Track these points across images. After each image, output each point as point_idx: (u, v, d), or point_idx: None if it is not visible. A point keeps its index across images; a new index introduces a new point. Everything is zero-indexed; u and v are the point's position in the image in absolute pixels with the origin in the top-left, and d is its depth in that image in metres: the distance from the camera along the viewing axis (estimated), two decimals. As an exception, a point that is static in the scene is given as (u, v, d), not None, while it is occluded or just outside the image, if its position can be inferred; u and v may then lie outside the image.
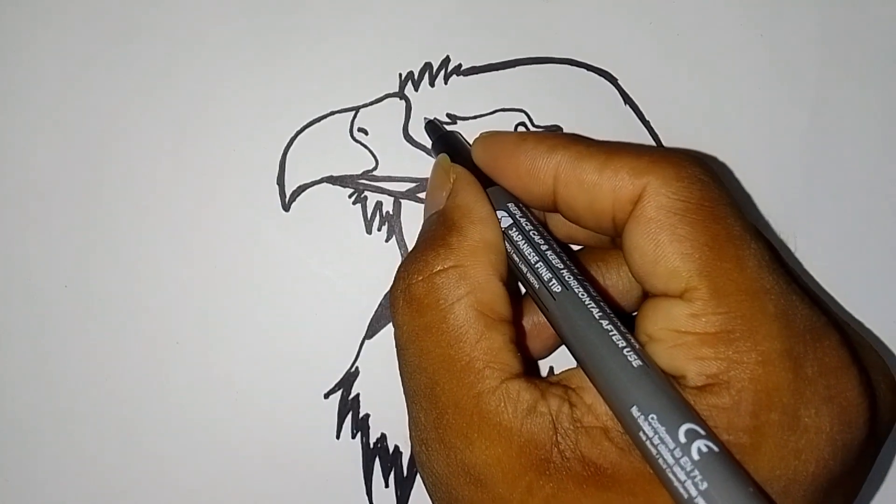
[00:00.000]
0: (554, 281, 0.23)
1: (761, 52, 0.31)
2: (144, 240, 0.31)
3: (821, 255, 0.31)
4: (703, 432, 0.19)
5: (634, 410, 0.20)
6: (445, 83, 0.31)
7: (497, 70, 0.31)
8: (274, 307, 0.31)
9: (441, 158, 0.27)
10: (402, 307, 0.23)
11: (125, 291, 0.31)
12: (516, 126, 0.31)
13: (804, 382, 0.20)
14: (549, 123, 0.31)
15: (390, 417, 0.31)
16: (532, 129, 0.31)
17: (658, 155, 0.23)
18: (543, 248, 0.24)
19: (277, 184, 0.31)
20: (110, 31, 0.31)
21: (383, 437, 0.31)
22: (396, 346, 0.24)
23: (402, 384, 0.24)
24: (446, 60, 0.31)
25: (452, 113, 0.31)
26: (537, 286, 0.23)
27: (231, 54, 0.31)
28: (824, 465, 0.20)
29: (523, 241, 0.24)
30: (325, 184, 0.31)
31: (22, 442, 0.31)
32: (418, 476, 0.31)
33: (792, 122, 0.31)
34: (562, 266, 0.23)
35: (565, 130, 0.31)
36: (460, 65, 0.31)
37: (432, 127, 0.30)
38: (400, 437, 0.31)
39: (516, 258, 0.24)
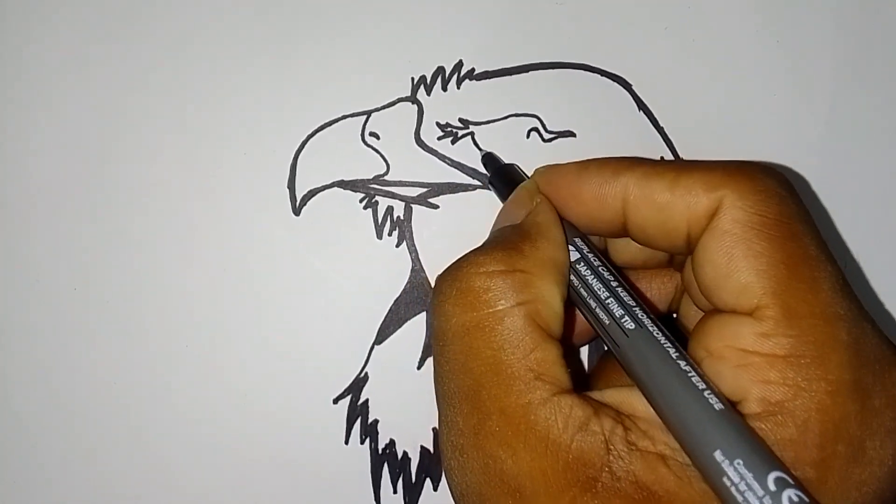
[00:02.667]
0: (626, 318, 0.22)
1: (777, 58, 0.31)
2: (154, 243, 0.31)
3: (844, 266, 0.31)
4: (791, 481, 0.19)
5: (718, 455, 0.19)
6: (458, 88, 0.31)
7: (510, 75, 0.31)
8: (283, 311, 0.31)
9: (529, 183, 0.26)
10: (455, 297, 0.22)
11: (135, 295, 0.31)
12: (529, 132, 0.30)
13: (871, 414, 0.20)
14: (562, 129, 0.31)
15: (399, 423, 0.31)
16: (545, 134, 0.31)
17: (733, 167, 0.22)
18: (614, 284, 0.23)
19: (288, 188, 0.31)
20: (121, 35, 0.31)
21: (392, 442, 0.31)
22: (437, 339, 0.23)
23: (437, 382, 0.23)
24: (459, 65, 0.31)
25: (465, 118, 0.31)
26: (608, 322, 0.23)
27: (243, 57, 0.31)
28: (881, 497, 0.20)
29: (592, 276, 0.24)
30: (335, 188, 0.31)
31: (32, 444, 0.31)
32: (426, 482, 0.30)
33: (808, 129, 0.31)
34: (634, 303, 0.23)
35: (578, 136, 0.31)
36: (473, 69, 0.31)
37: (490, 159, 0.30)
38: (409, 444, 0.31)
39: (584, 293, 0.24)
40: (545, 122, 0.31)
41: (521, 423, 0.21)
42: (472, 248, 0.24)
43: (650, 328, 0.22)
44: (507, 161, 0.30)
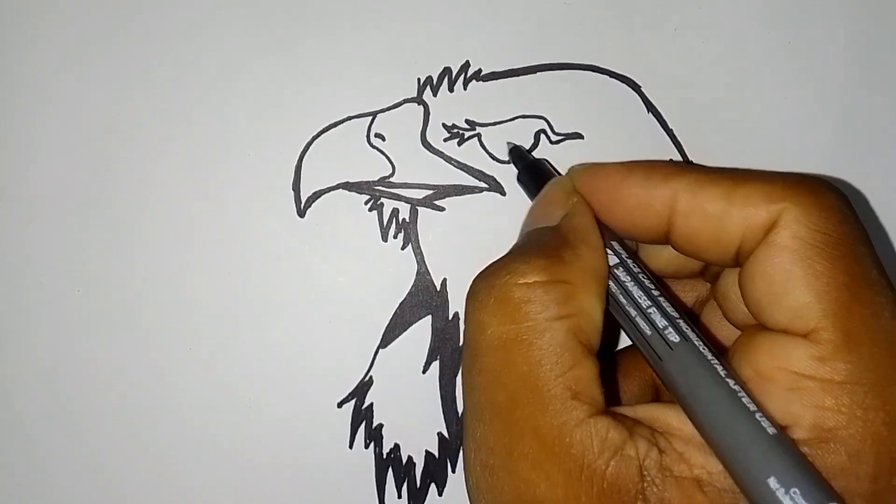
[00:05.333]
0: (670, 329, 0.21)
1: (789, 60, 0.31)
2: (158, 245, 0.31)
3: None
4: None
5: (773, 482, 0.18)
6: (465, 89, 0.30)
7: (517, 76, 0.30)
8: (287, 314, 0.30)
9: (564, 180, 0.25)
10: (493, 306, 0.21)
11: (138, 297, 0.31)
12: (537, 133, 0.30)
13: None
14: (570, 131, 0.30)
15: (404, 428, 0.30)
16: (552, 136, 0.30)
17: (794, 181, 0.21)
18: (655, 292, 0.22)
19: (293, 189, 0.30)
20: (125, 36, 0.31)
21: (396, 447, 0.30)
22: (471, 350, 0.22)
23: (468, 393, 0.22)
24: (466, 65, 0.30)
25: (471, 119, 0.30)
26: (649, 333, 0.22)
27: (247, 58, 0.31)
28: None
29: (632, 283, 0.22)
30: (341, 190, 0.30)
31: (35, 447, 0.31)
32: (431, 487, 0.30)
33: (819, 130, 0.31)
34: (677, 314, 0.22)
35: (586, 139, 0.30)
36: (480, 70, 0.30)
37: (518, 153, 0.29)
38: (413, 448, 0.30)
39: (623, 300, 0.22)
40: (553, 123, 0.30)
41: (556, 445, 0.20)
42: (505, 252, 0.23)
43: (696, 342, 0.21)
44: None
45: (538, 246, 0.23)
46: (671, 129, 0.31)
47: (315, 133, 0.30)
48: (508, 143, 0.29)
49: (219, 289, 0.30)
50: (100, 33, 0.31)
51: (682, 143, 0.31)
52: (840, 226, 0.20)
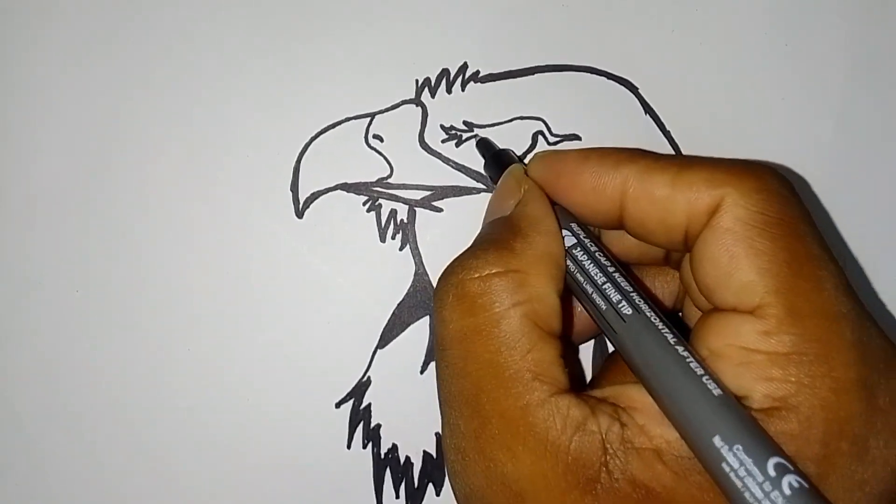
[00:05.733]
0: (624, 303, 0.22)
1: (786, 61, 0.31)
2: (156, 245, 0.31)
3: (845, 266, 0.30)
4: (791, 467, 0.18)
5: (717, 440, 0.19)
6: (462, 90, 0.30)
7: (515, 77, 0.31)
8: (286, 315, 0.31)
9: (515, 168, 0.26)
10: (452, 303, 0.22)
11: (136, 297, 0.31)
12: (534, 135, 0.30)
13: (876, 412, 0.20)
14: (567, 132, 0.30)
15: (402, 428, 0.30)
16: (550, 137, 0.30)
17: (736, 167, 0.22)
18: (611, 269, 0.23)
19: (291, 190, 0.31)
20: (123, 36, 0.31)
21: (394, 447, 0.30)
22: (438, 345, 0.23)
23: (440, 387, 0.23)
24: (464, 67, 0.31)
25: (469, 120, 0.30)
26: (604, 307, 0.22)
27: (246, 59, 0.31)
28: (888, 497, 0.20)
29: (589, 262, 0.23)
30: (339, 191, 0.31)
31: (35, 447, 0.31)
32: (429, 487, 0.30)
33: (817, 132, 0.31)
34: (630, 289, 0.22)
35: (584, 140, 0.30)
36: (478, 71, 0.31)
37: (485, 144, 0.30)
38: (411, 448, 0.30)
39: (580, 278, 0.23)
40: (550, 124, 0.30)
41: (521, 425, 0.21)
42: (461, 253, 0.24)
43: (647, 314, 0.22)
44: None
45: (490, 239, 0.24)
46: (668, 131, 0.31)
47: (313, 134, 0.31)
48: (477, 136, 0.30)
49: (217, 289, 0.30)
50: (100, 33, 0.31)
51: (679, 144, 0.31)
52: (780, 207, 0.21)
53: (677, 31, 0.31)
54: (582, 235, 0.24)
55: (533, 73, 0.31)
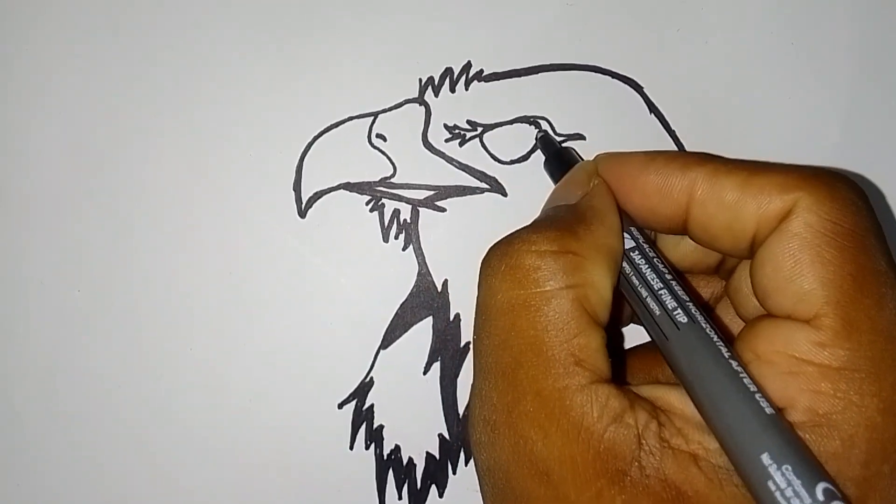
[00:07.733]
0: (679, 311, 0.22)
1: (792, 60, 0.31)
2: (158, 245, 0.30)
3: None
4: (839, 494, 0.18)
5: (766, 458, 0.19)
6: (466, 89, 0.30)
7: (519, 76, 0.30)
8: (288, 314, 0.30)
9: (588, 164, 0.26)
10: (504, 272, 0.22)
11: (139, 297, 0.30)
12: (538, 134, 0.30)
13: None
14: (571, 132, 0.30)
15: (404, 429, 0.30)
16: (554, 137, 0.30)
17: (809, 172, 0.22)
18: (668, 276, 0.23)
19: (294, 190, 0.30)
20: (126, 35, 0.31)
21: (397, 448, 0.30)
22: (482, 313, 0.23)
23: (477, 355, 0.23)
24: (467, 66, 0.30)
25: (473, 120, 0.30)
26: (658, 313, 0.22)
27: (249, 58, 0.31)
28: None
29: (646, 266, 0.23)
30: (342, 190, 0.30)
31: (35, 447, 0.31)
32: (432, 489, 0.30)
33: (823, 132, 0.31)
34: (687, 298, 0.22)
35: (588, 139, 0.30)
36: (482, 70, 0.30)
37: (546, 141, 0.29)
38: (414, 450, 0.30)
39: (635, 281, 0.23)
40: (554, 124, 0.30)
41: (556, 406, 0.20)
42: (519, 228, 0.23)
43: (703, 324, 0.22)
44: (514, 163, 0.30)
45: (553, 220, 0.23)
46: (673, 130, 0.30)
47: (316, 133, 0.30)
48: (537, 130, 0.30)
49: (219, 289, 0.30)
50: (100, 33, 0.31)
51: (684, 143, 0.30)
52: (852, 217, 0.21)
53: (682, 30, 0.31)
54: (641, 240, 0.24)
55: (537, 73, 0.30)
